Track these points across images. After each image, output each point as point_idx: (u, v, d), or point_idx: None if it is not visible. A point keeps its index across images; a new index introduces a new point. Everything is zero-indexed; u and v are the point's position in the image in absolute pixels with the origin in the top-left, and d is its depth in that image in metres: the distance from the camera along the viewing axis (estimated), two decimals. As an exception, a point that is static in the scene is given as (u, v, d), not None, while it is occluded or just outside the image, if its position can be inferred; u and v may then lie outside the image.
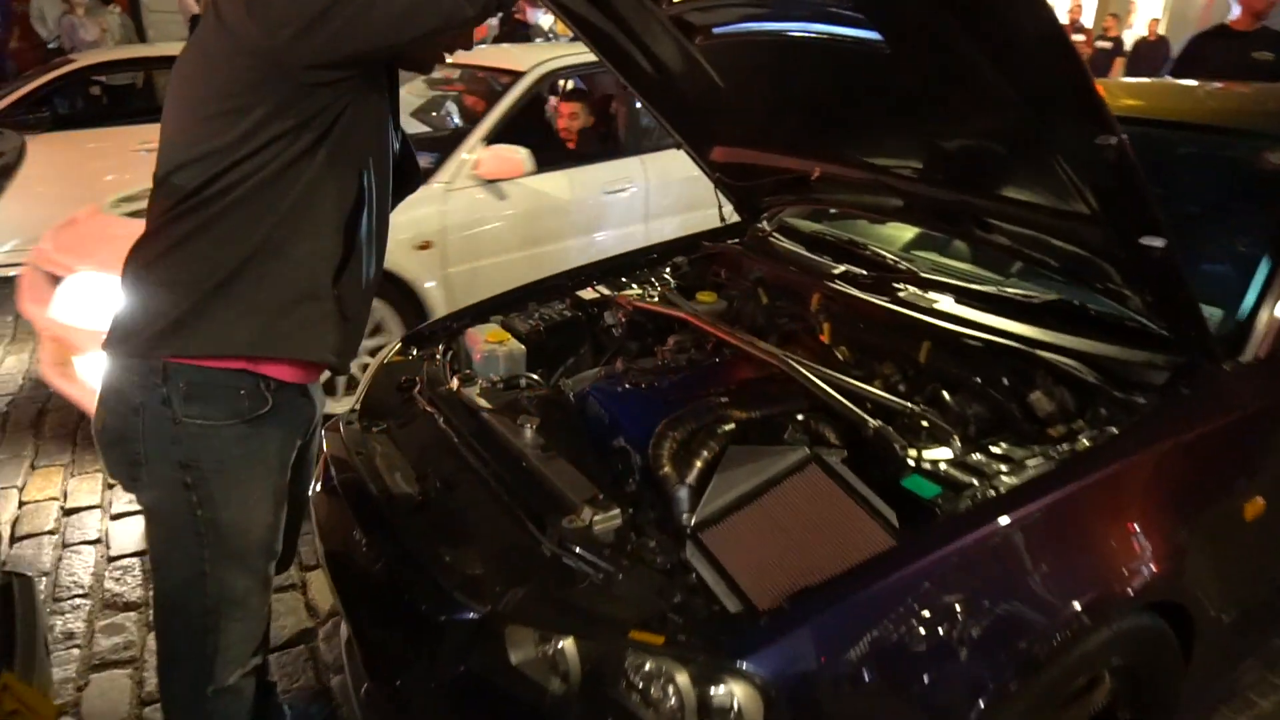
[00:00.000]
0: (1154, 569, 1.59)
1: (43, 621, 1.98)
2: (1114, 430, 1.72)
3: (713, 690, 1.32)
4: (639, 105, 4.69)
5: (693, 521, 1.61)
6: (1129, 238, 1.60)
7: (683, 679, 1.34)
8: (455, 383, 2.22)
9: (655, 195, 4.71)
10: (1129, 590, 1.56)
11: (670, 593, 1.48)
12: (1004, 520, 1.51)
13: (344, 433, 2.15)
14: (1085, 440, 1.70)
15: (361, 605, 1.84)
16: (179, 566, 1.68)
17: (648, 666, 1.39)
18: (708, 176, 2.87)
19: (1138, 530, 1.61)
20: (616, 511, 1.65)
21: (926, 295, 2.25)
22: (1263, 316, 1.88)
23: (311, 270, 1.62)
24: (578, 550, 1.58)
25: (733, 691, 1.31)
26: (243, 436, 1.63)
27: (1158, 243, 1.58)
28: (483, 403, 2.11)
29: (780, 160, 2.57)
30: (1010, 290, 2.16)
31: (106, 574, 2.95)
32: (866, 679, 1.37)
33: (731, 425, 1.85)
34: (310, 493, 2.19)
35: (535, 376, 2.27)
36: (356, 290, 1.70)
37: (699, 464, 1.75)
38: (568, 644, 1.45)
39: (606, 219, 4.61)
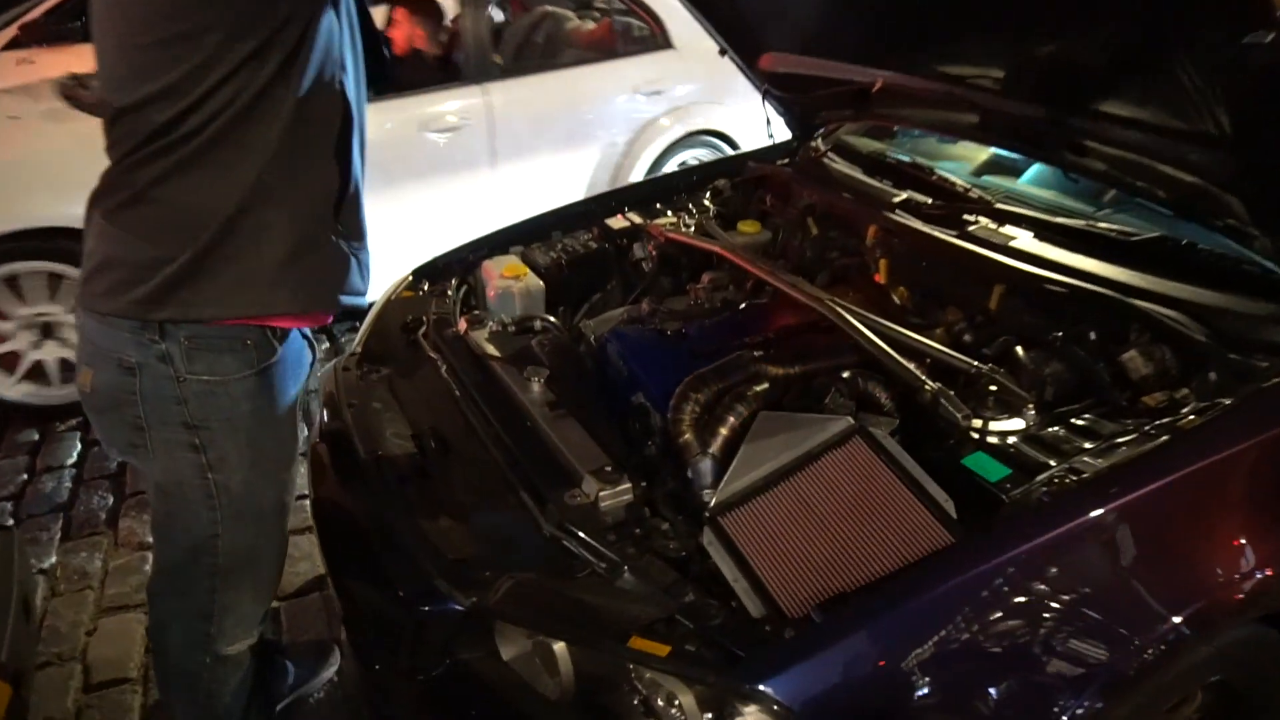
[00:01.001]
0: (1269, 573, 1.31)
1: (26, 576, 1.88)
2: (1226, 402, 1.42)
3: (724, 718, 1.11)
4: (494, 11, 4.07)
5: (712, 502, 1.38)
6: (1271, 167, 1.28)
7: (688, 701, 1.14)
8: (463, 325, 2.00)
9: (504, 134, 3.85)
10: (1238, 599, 1.30)
11: (682, 589, 1.27)
12: (1088, 514, 1.25)
13: (340, 379, 1.96)
14: (1190, 414, 1.41)
15: (346, 576, 1.67)
16: (189, 531, 1.57)
17: (650, 677, 1.19)
18: (755, 87, 2.55)
19: (1252, 527, 1.34)
20: (627, 486, 1.44)
21: (1001, 229, 1.94)
22: None
23: (312, 213, 1.46)
24: (580, 534, 1.37)
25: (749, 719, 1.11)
26: (253, 391, 1.50)
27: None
28: (490, 349, 1.90)
29: (838, 69, 2.23)
30: (1102, 225, 1.83)
31: (121, 512, 2.87)
32: (914, 707, 1.14)
33: (765, 385, 1.60)
34: (312, 441, 2.03)
35: (552, 319, 2.04)
36: (357, 217, 1.55)
37: (724, 431, 1.51)
38: (560, 646, 1.26)
39: (429, 166, 3.72)
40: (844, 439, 1.42)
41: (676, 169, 3.63)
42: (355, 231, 1.54)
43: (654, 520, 1.42)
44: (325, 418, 1.90)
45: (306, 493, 1.95)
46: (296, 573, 2.52)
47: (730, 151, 4.24)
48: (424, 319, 2.09)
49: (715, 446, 1.49)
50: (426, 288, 2.30)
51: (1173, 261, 1.70)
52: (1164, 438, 1.36)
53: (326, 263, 1.50)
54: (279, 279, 1.44)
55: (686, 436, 1.51)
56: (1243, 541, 1.32)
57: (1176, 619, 1.23)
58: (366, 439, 1.74)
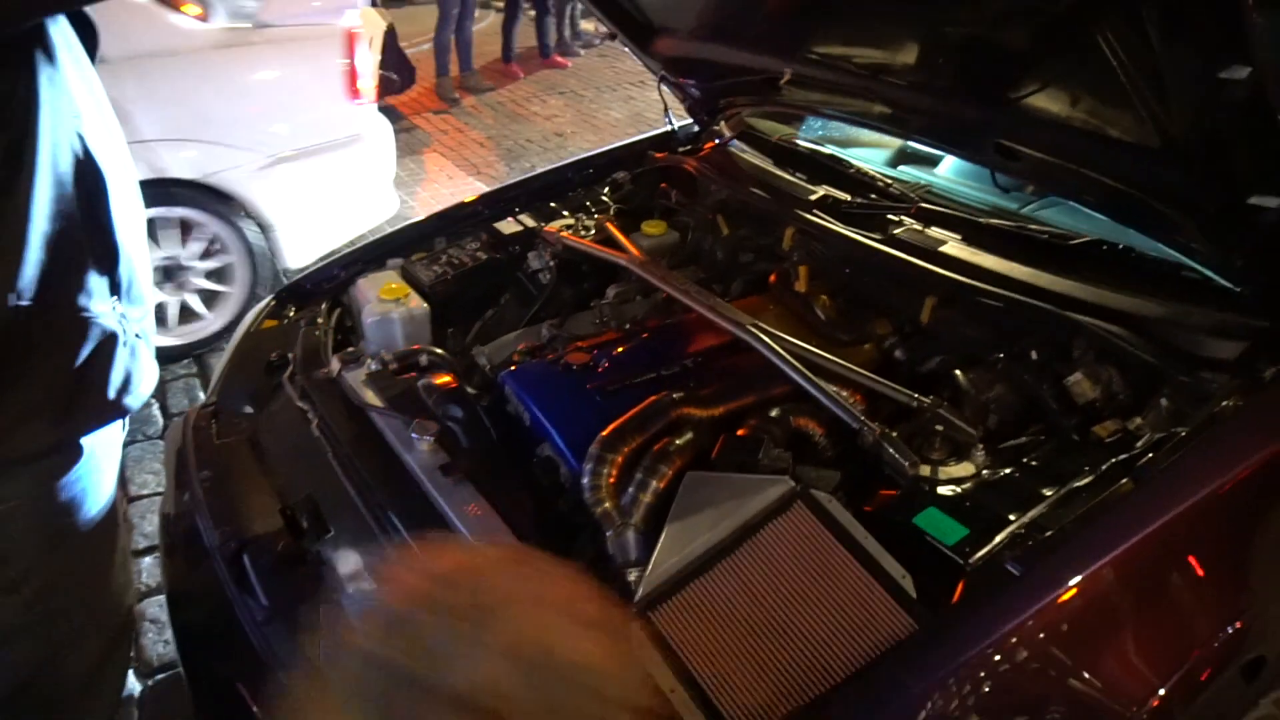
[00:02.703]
0: (1239, 626, 1.22)
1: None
2: (1181, 432, 1.32)
3: None
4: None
5: (639, 593, 1.19)
6: (1233, 192, 1.15)
7: None
8: (335, 365, 1.74)
9: None
10: (1216, 655, 1.20)
11: (611, 714, 1.07)
12: (1060, 584, 1.12)
13: (191, 436, 1.67)
14: (1147, 450, 1.30)
15: (204, 697, 1.42)
16: (18, 667, 1.29)
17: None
18: (652, 73, 2.32)
19: (1221, 574, 1.24)
20: (539, 574, 1.23)
21: (928, 232, 1.80)
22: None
23: (79, 309, 1.18)
24: (486, 641, 1.16)
25: None
26: (61, 507, 1.24)
27: (1272, 203, 1.15)
28: (369, 396, 1.64)
29: (741, 57, 2.03)
30: (1034, 227, 1.71)
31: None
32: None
33: (689, 434, 1.41)
34: (161, 509, 1.74)
35: (439, 351, 1.79)
36: (139, 277, 1.30)
37: (647, 498, 1.32)
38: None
39: None
40: (784, 505, 1.25)
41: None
42: (140, 303, 1.32)
43: (573, 614, 1.22)
44: (172, 491, 1.61)
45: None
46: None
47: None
48: (290, 357, 1.81)
49: (638, 516, 1.30)
50: (292, 314, 2.01)
51: (1110, 268, 1.59)
52: (1124, 481, 1.25)
53: (116, 361, 1.26)
54: (64, 411, 1.20)
55: (605, 505, 1.31)
56: (1214, 593, 1.22)
57: (1162, 689, 1.12)
58: (223, 518, 1.47)
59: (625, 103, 6.79)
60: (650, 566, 1.21)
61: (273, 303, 2.05)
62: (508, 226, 2.22)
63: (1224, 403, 1.36)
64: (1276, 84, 0.96)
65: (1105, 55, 1.24)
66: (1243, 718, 1.39)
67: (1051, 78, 1.53)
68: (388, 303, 1.93)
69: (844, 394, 1.50)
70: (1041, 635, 1.09)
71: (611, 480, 1.33)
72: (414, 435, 1.49)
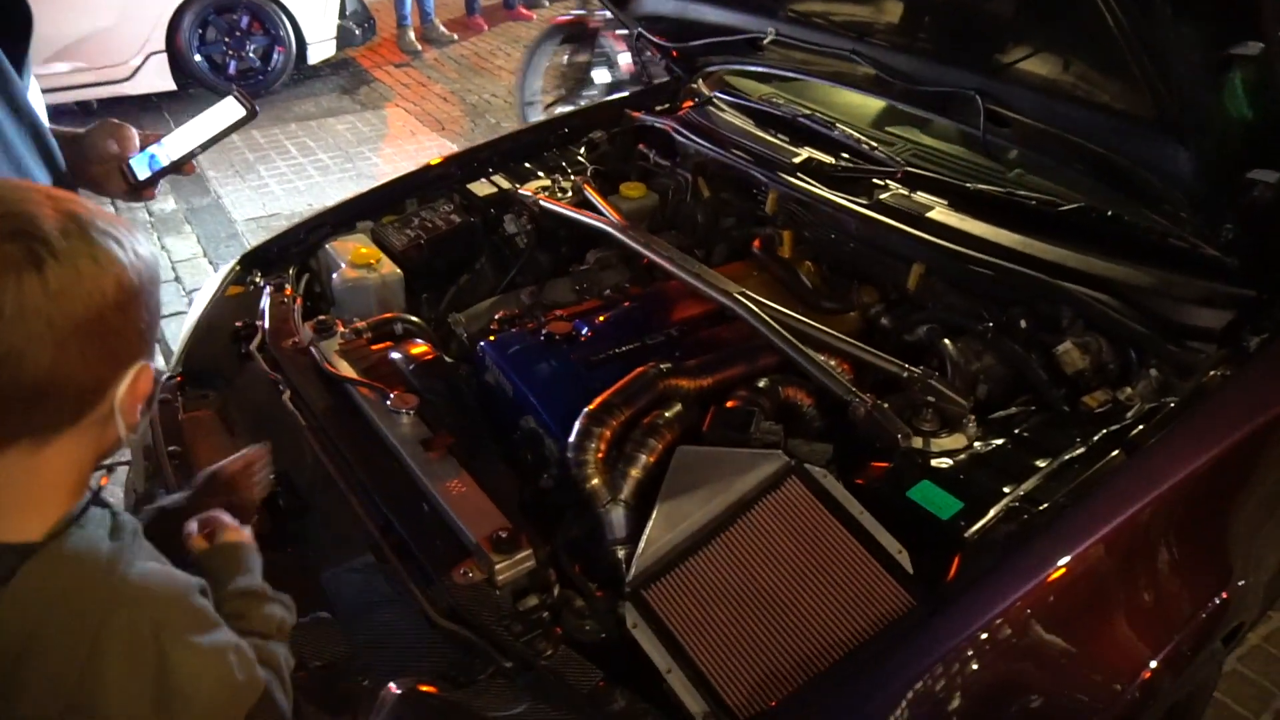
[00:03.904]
0: (1224, 597, 1.24)
1: None
2: (1171, 403, 1.32)
3: None
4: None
5: (632, 572, 1.17)
6: (1230, 168, 1.14)
7: None
8: (306, 333, 1.67)
9: None
10: (1202, 627, 1.21)
11: (608, 697, 1.05)
12: (1055, 559, 1.11)
13: (155, 413, 1.60)
14: (1137, 421, 1.30)
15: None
16: None
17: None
18: (627, 28, 2.25)
19: (1206, 548, 1.25)
20: (527, 553, 1.20)
21: (915, 197, 1.77)
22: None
23: None
24: (476, 624, 1.13)
25: None
26: None
27: (1270, 178, 1.13)
28: (344, 366, 1.59)
29: (722, 15, 1.97)
30: (1022, 194, 1.68)
31: None
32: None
33: (678, 407, 1.38)
34: (127, 487, 1.68)
35: (414, 320, 1.73)
36: None
37: (637, 473, 1.29)
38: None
39: None
40: (778, 480, 1.22)
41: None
42: None
43: (564, 593, 1.20)
44: (139, 468, 1.55)
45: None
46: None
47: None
48: (257, 325, 1.74)
49: (627, 491, 1.27)
50: (259, 280, 1.93)
51: (1098, 235, 1.57)
52: (1116, 453, 1.25)
53: None
54: None
55: (594, 482, 1.28)
56: (1201, 565, 1.23)
57: (1153, 662, 1.13)
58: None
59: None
60: (643, 544, 1.18)
61: (237, 268, 1.96)
62: (482, 188, 2.15)
63: (1211, 373, 1.36)
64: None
65: (1106, 22, 1.21)
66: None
67: (1045, 42, 1.50)
68: (359, 268, 1.87)
69: (832, 364, 1.48)
70: (1038, 611, 1.09)
71: (599, 455, 1.29)
72: (393, 408, 1.44)
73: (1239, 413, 1.30)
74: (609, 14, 4.17)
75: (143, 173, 1.24)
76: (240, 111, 1.27)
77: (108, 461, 1.00)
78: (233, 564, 1.07)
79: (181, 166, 1.25)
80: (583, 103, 4.34)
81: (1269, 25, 0.93)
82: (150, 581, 0.86)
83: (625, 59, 4.31)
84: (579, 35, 4.44)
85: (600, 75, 4.42)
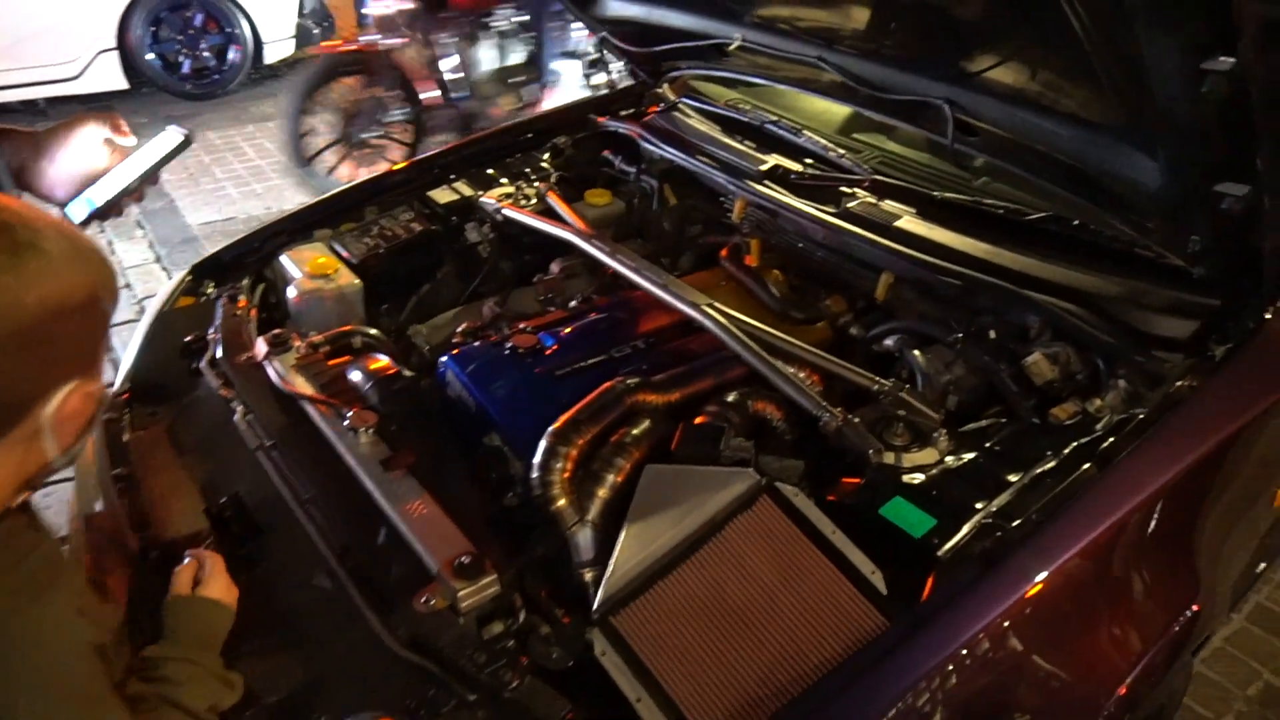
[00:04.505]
0: (1196, 609, 1.23)
1: None
2: (1140, 414, 1.32)
3: None
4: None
5: (601, 599, 1.13)
6: (1199, 180, 1.13)
7: None
8: (260, 348, 1.61)
9: None
10: (1177, 639, 1.21)
11: (575, 732, 1.02)
12: (1030, 577, 1.10)
13: (101, 429, 1.53)
14: (1108, 434, 1.29)
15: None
16: None
17: None
18: (592, 33, 2.21)
19: (1180, 559, 1.25)
20: (491, 578, 1.16)
21: (882, 205, 1.75)
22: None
23: None
24: (439, 654, 1.09)
25: None
26: None
27: (1238, 191, 1.13)
28: (300, 383, 1.53)
29: (687, 20, 1.94)
30: (989, 201, 1.67)
31: None
32: None
33: (646, 423, 1.35)
34: (71, 510, 1.61)
35: (373, 332, 1.68)
36: None
37: (604, 493, 1.25)
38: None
39: None
40: (749, 500, 1.20)
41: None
42: None
43: (530, 619, 1.16)
44: (85, 491, 1.48)
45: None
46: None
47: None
48: (210, 339, 1.68)
49: (594, 512, 1.24)
50: (211, 291, 1.86)
51: (1065, 243, 1.57)
52: (1087, 466, 1.24)
53: None
54: None
55: (560, 503, 1.24)
56: (1173, 579, 1.23)
57: (1129, 678, 1.12)
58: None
59: (556, 57, 6.58)
60: (611, 568, 1.15)
61: (188, 278, 1.89)
62: (443, 195, 2.10)
63: (1179, 383, 1.36)
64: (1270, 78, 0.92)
65: (1076, 33, 1.20)
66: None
67: (1013, 52, 1.49)
68: (316, 279, 1.81)
69: (802, 375, 1.46)
70: (1011, 633, 1.07)
71: (565, 475, 1.26)
72: (351, 426, 1.39)
73: (1207, 425, 1.30)
74: (399, 40, 3.88)
75: (79, 215, 1.19)
76: (178, 137, 1.24)
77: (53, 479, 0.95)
78: (199, 624, 1.06)
79: (120, 203, 1.20)
80: (374, 136, 3.98)
81: (1242, 41, 0.92)
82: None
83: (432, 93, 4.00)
84: (362, 65, 3.97)
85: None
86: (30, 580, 0.86)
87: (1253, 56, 0.91)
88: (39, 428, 0.82)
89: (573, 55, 4.17)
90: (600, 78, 4.02)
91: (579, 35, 4.10)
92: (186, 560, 1.14)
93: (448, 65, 4.04)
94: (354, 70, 4.01)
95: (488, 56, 4.10)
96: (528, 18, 4.14)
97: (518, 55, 4.17)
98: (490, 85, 4.12)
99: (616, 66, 3.74)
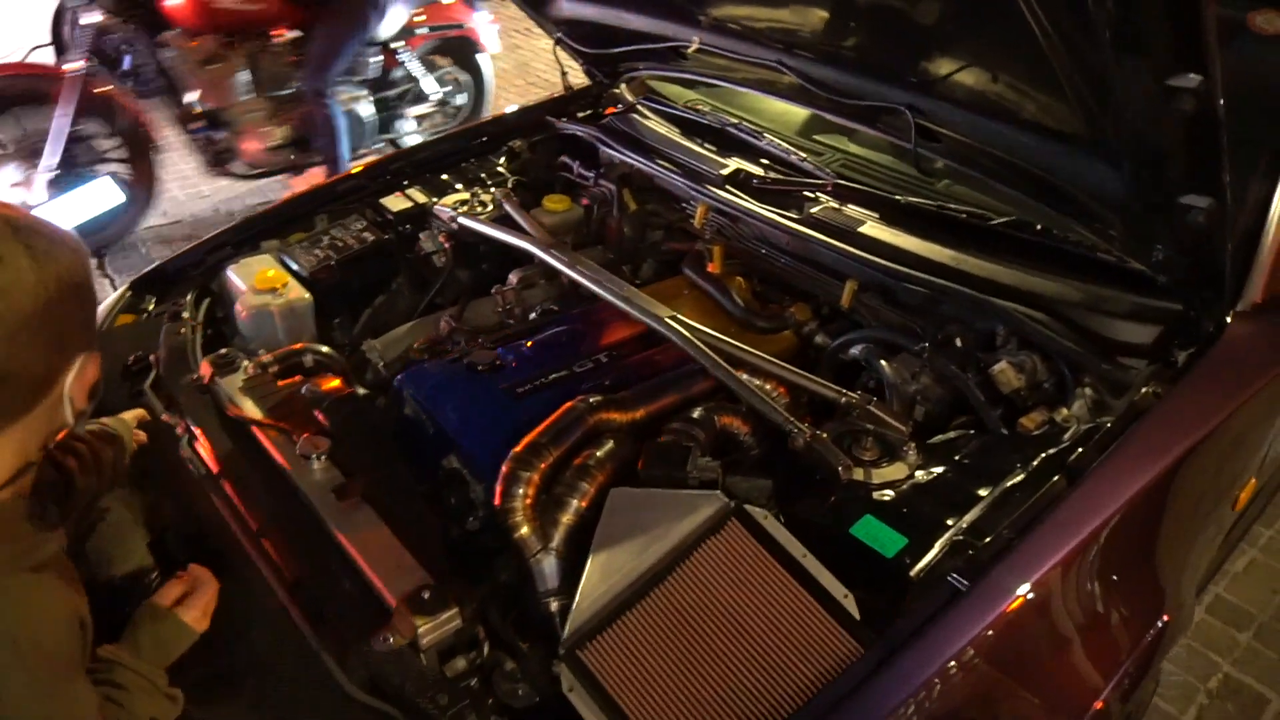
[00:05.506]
0: (1167, 620, 1.23)
1: None
2: (1108, 423, 1.31)
3: None
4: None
5: (567, 632, 1.09)
6: (1162, 190, 1.12)
7: None
8: (206, 369, 1.54)
9: None
10: (1148, 653, 1.20)
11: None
12: (1007, 597, 1.08)
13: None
14: (1075, 444, 1.28)
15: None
16: None
17: None
18: (547, 34, 2.16)
19: (1150, 572, 1.24)
20: (453, 612, 1.11)
21: (846, 210, 1.73)
22: (1267, 244, 1.47)
23: None
24: (398, 696, 1.05)
25: None
26: None
27: (1202, 203, 1.12)
28: (247, 406, 1.47)
29: (645, 22, 1.90)
30: (953, 206, 1.66)
31: None
32: None
33: (609, 444, 1.31)
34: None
35: (325, 349, 1.61)
36: None
37: (568, 519, 1.21)
38: None
39: None
40: (718, 523, 1.17)
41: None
42: None
43: (494, 653, 1.12)
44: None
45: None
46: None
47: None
48: (152, 360, 1.60)
49: (558, 539, 1.20)
50: (151, 307, 1.78)
51: (1028, 249, 1.56)
52: (1056, 479, 1.23)
53: None
54: None
55: (523, 531, 1.20)
56: (1143, 590, 1.22)
57: (1106, 690, 1.11)
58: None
59: (511, 52, 6.48)
60: (577, 598, 1.11)
61: (128, 293, 1.81)
62: (396, 203, 2.03)
63: (1144, 390, 1.35)
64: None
65: (1040, 44, 1.18)
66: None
67: (976, 58, 1.47)
68: (264, 293, 1.74)
69: (768, 388, 1.43)
70: (986, 652, 1.06)
71: (528, 501, 1.21)
72: (302, 453, 1.34)
73: (1171, 434, 1.29)
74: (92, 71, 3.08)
75: None
76: (119, 197, 1.21)
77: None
78: (160, 640, 1.11)
79: None
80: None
81: (1208, 59, 0.91)
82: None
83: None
84: (32, 93, 3.10)
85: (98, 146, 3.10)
86: (32, 546, 0.97)
87: (1219, 74, 0.90)
88: (62, 394, 0.95)
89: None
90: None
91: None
92: (182, 574, 1.18)
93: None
94: (20, 99, 3.11)
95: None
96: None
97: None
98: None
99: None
